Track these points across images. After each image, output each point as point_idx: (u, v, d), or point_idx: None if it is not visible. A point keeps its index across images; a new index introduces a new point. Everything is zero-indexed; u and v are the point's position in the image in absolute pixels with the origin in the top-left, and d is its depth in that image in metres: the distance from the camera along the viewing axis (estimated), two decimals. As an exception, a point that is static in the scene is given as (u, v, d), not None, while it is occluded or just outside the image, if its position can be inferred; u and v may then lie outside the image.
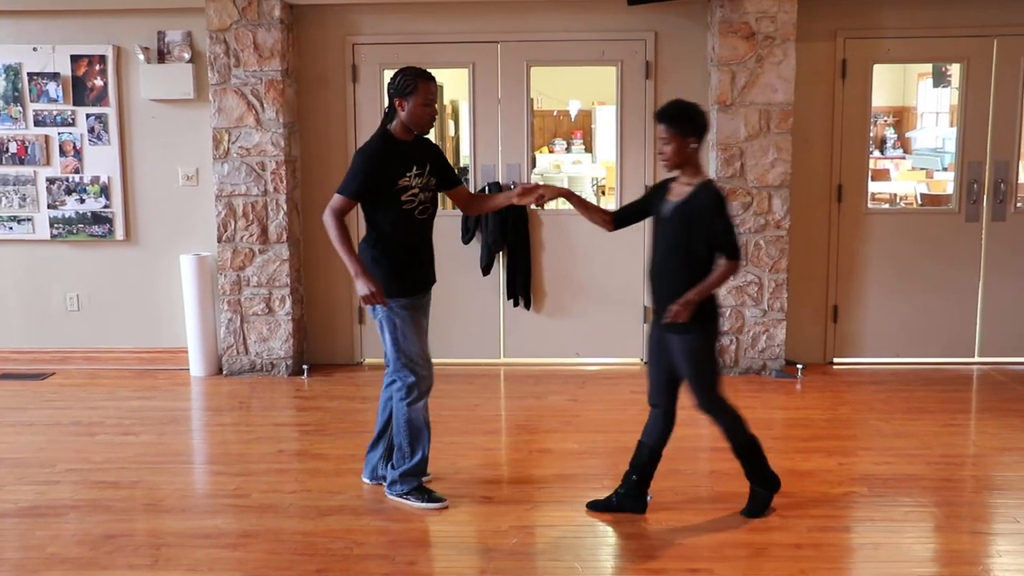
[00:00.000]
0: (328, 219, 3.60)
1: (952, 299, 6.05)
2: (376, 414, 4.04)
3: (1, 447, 4.63)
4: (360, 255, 3.67)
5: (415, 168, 3.65)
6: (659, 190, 3.58)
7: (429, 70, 3.65)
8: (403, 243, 3.67)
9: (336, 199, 3.61)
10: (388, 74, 6.03)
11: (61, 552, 3.42)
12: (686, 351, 3.47)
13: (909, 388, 5.54)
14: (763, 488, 3.67)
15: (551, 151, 9.57)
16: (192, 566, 3.30)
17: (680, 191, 3.46)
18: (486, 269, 6.08)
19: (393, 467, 3.84)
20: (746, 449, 3.61)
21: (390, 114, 3.67)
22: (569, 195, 3.72)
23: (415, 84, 3.57)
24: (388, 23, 5.94)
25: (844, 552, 3.46)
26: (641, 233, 5.99)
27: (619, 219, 3.69)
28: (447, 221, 5.76)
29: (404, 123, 3.64)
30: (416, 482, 3.82)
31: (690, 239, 3.38)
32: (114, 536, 3.55)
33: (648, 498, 3.70)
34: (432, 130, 3.86)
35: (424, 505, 3.77)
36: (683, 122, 3.38)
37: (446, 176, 3.85)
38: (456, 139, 8.71)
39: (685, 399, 3.57)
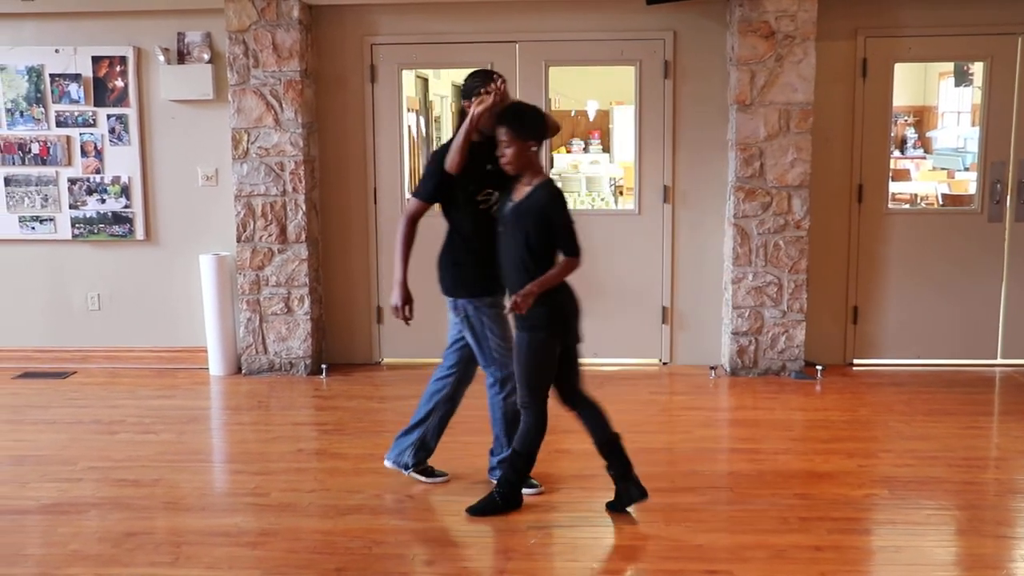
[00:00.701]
0: (401, 221, 3.82)
1: (974, 300, 5.99)
2: (417, 405, 4.05)
3: (24, 445, 4.68)
4: (442, 257, 3.86)
5: (489, 167, 3.76)
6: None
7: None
8: (483, 243, 3.77)
9: (411, 203, 3.83)
10: (406, 74, 6.10)
11: (83, 549, 3.45)
12: (519, 344, 3.58)
13: (930, 390, 5.49)
14: (504, 500, 3.69)
15: (569, 151, 9.54)
16: (212, 564, 3.32)
17: (521, 191, 3.57)
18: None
19: (492, 454, 4.02)
20: (522, 460, 3.67)
21: (462, 117, 3.81)
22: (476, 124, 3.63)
23: (483, 86, 3.73)
24: (406, 23, 5.95)
25: (864, 555, 3.44)
26: (661, 234, 5.98)
27: None
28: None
29: None
30: None
31: (529, 236, 3.49)
32: (135, 533, 3.58)
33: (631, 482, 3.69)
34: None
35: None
36: (522, 125, 3.50)
37: None
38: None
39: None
